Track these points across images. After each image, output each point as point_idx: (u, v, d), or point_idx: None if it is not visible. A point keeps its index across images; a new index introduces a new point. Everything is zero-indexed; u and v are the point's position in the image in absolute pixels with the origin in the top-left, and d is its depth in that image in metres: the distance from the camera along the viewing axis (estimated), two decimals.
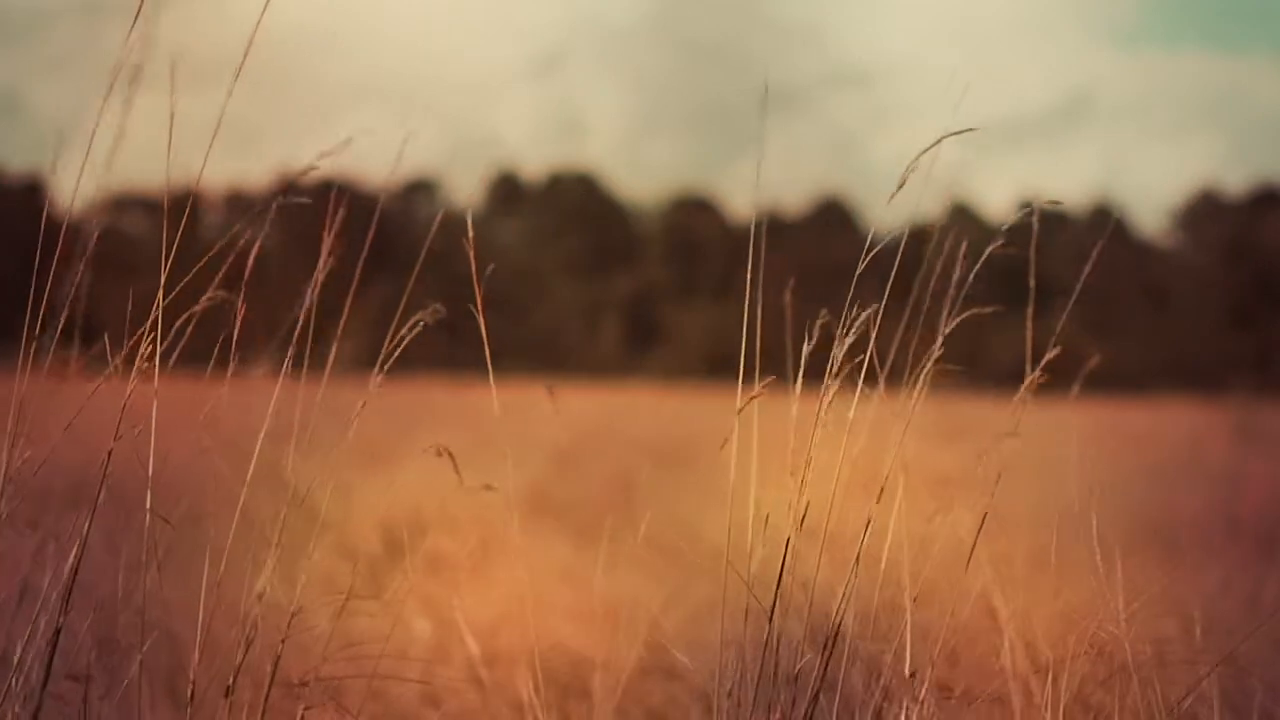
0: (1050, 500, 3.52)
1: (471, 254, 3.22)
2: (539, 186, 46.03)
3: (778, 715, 3.19)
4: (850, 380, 3.20)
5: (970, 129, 3.12)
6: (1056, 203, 3.24)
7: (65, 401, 3.21)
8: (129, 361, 3.16)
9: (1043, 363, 3.32)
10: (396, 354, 3.24)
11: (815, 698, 3.19)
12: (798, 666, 3.20)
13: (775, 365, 3.28)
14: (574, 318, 42.92)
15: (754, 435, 3.23)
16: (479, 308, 3.28)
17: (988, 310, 3.25)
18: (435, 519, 5.62)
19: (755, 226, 3.23)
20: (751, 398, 3.20)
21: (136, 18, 3.10)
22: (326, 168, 3.23)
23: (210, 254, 3.19)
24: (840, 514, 3.20)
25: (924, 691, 3.24)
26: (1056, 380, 3.44)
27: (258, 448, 3.23)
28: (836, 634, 3.20)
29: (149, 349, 3.16)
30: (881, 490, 3.22)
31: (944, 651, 3.27)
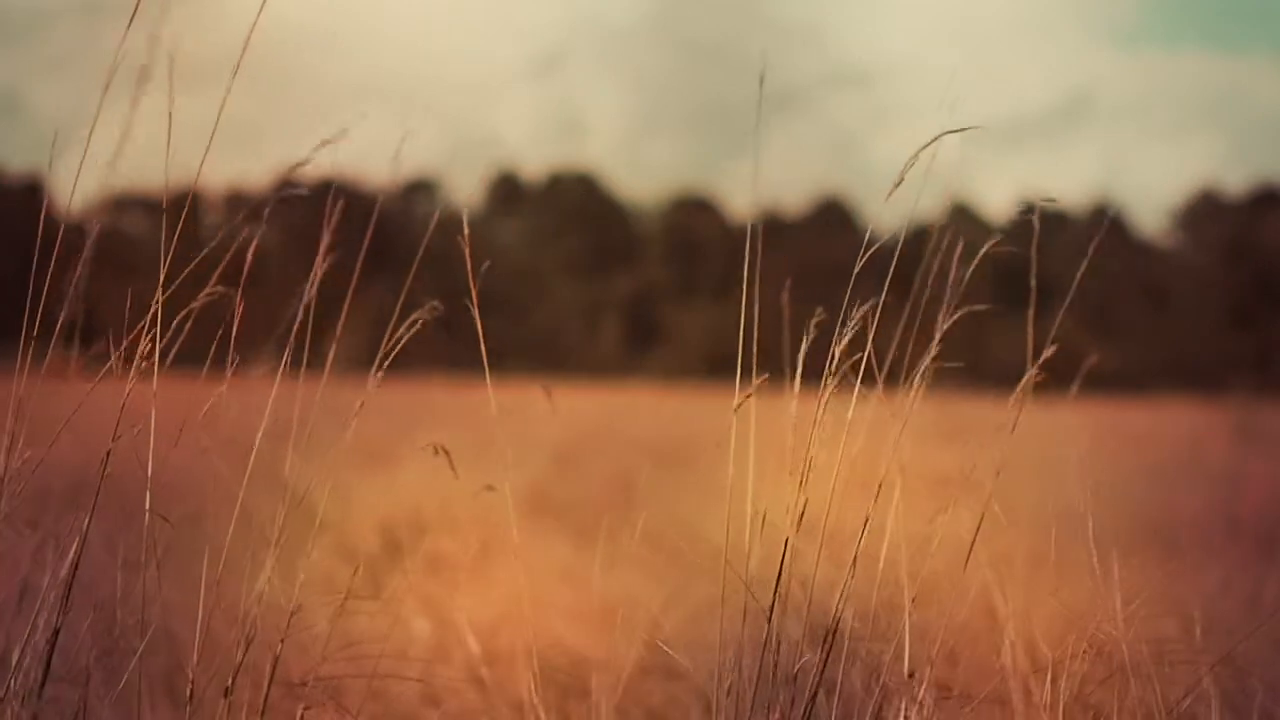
0: (1050, 500, 3.52)
1: (466, 250, 3.22)
2: (539, 186, 46.04)
3: (777, 715, 3.19)
4: (849, 379, 3.19)
5: (969, 127, 3.12)
6: (1051, 200, 3.24)
7: (65, 401, 3.21)
8: (128, 360, 3.16)
9: (1039, 360, 3.32)
10: (395, 352, 3.24)
11: (814, 697, 3.19)
12: (797, 666, 3.20)
13: (774, 365, 3.28)
14: (574, 318, 42.92)
15: (752, 435, 3.23)
16: (474, 304, 3.27)
17: (981, 308, 3.25)
18: (435, 519, 5.62)
19: (752, 227, 3.23)
20: (746, 396, 3.20)
21: (133, 18, 3.10)
22: (325, 166, 3.23)
23: (208, 248, 3.18)
24: (839, 513, 3.20)
25: (923, 691, 3.24)
26: (1056, 380, 3.44)
27: (255, 447, 3.23)
28: (834, 632, 3.19)
29: (148, 347, 3.16)
30: (879, 489, 3.22)
31: (943, 651, 3.27)
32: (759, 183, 3.30)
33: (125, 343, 3.15)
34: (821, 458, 3.19)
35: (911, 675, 3.25)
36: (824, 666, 3.19)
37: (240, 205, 3.27)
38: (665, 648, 3.72)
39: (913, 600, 3.24)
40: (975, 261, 3.25)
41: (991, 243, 3.23)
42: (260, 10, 3.08)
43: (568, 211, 44.66)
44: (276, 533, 3.20)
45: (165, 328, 3.17)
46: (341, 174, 3.28)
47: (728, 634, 3.21)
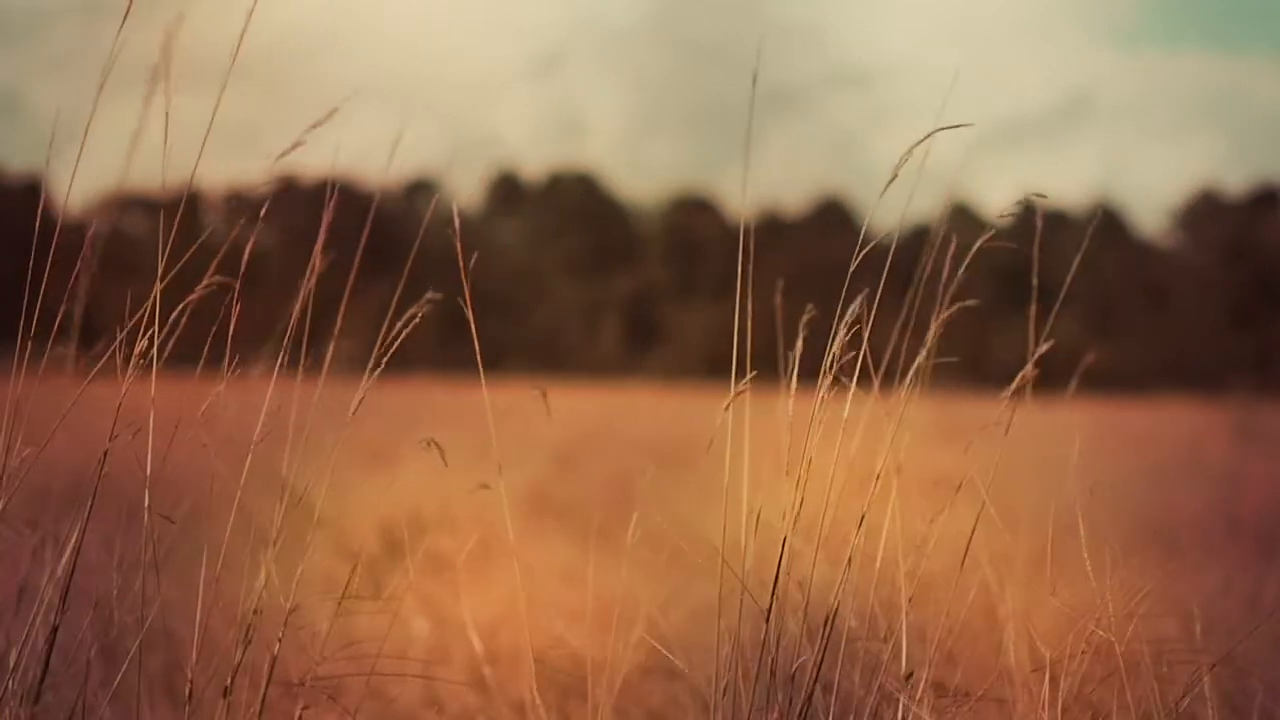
0: (1050, 500, 3.51)
1: (458, 244, 3.21)
2: (539, 186, 46.04)
3: (775, 715, 3.19)
4: (845, 379, 3.19)
5: (964, 124, 3.12)
6: (1042, 195, 3.24)
7: (63, 400, 3.21)
8: (125, 359, 3.16)
9: (1035, 356, 3.32)
10: (394, 348, 3.23)
11: (810, 696, 3.19)
12: (794, 665, 3.19)
13: (772, 365, 3.28)
14: (574, 318, 42.92)
15: (748, 434, 3.22)
16: (467, 300, 3.27)
17: (972, 303, 3.25)
18: (434, 518, 5.61)
19: (745, 226, 3.23)
20: (736, 394, 3.20)
21: (125, 18, 3.10)
22: (322, 161, 3.23)
23: (200, 240, 3.18)
24: (835, 512, 3.19)
25: (922, 691, 3.24)
26: (1056, 379, 3.44)
27: (253, 446, 3.23)
28: (830, 630, 3.19)
29: (145, 345, 3.15)
30: (875, 486, 3.22)
31: (942, 651, 3.26)
32: (753, 180, 3.30)
33: (120, 337, 3.14)
34: (818, 457, 3.19)
35: (910, 675, 3.24)
36: (820, 665, 3.19)
37: (239, 204, 3.26)
38: (660, 648, 3.71)
39: (910, 600, 3.24)
40: (969, 257, 3.25)
41: (985, 237, 3.23)
42: (253, 9, 3.08)
43: (568, 211, 44.67)
44: (275, 532, 3.20)
45: (163, 325, 3.16)
46: (341, 173, 3.28)
47: (726, 634, 3.21)
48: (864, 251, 3.18)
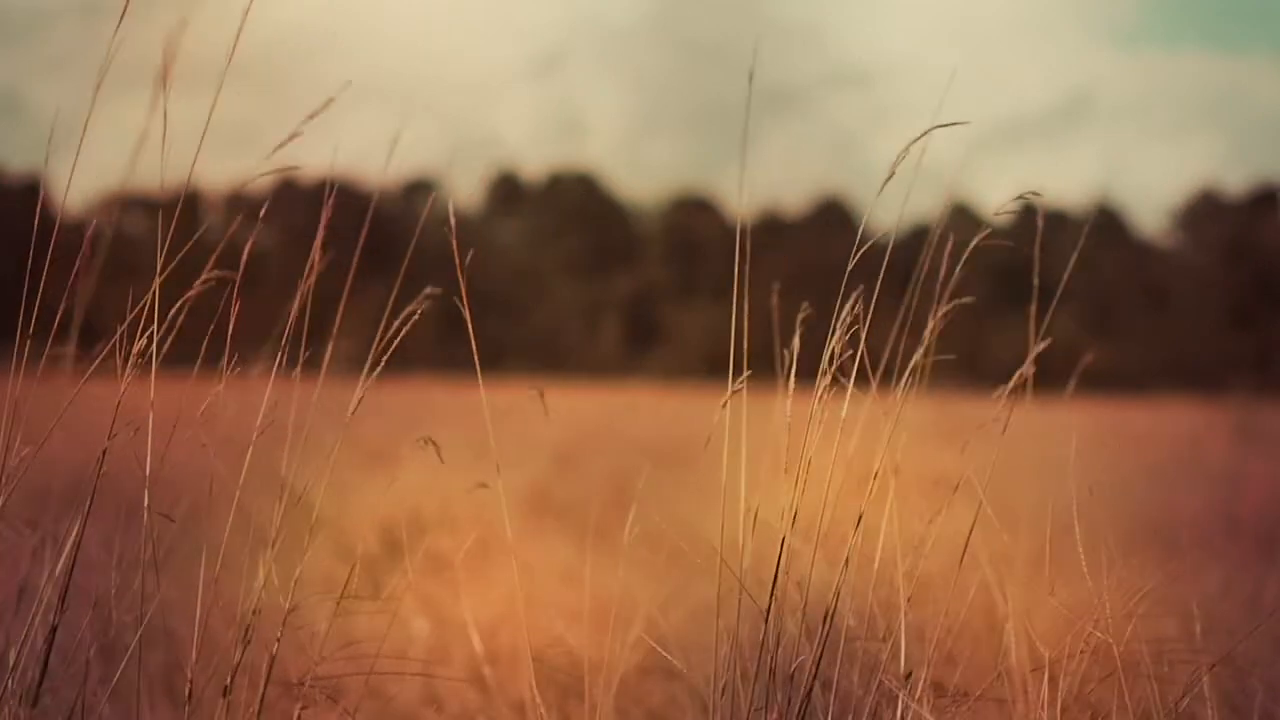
0: (1049, 500, 3.51)
1: (454, 241, 3.21)
2: (539, 186, 46.05)
3: (774, 715, 3.19)
4: (842, 378, 3.19)
5: (960, 122, 3.13)
6: (1036, 193, 3.24)
7: (62, 400, 3.21)
8: (124, 358, 3.16)
9: (1032, 355, 3.32)
10: (393, 347, 3.23)
11: (808, 696, 3.19)
12: (793, 665, 3.19)
13: (770, 365, 3.28)
14: (574, 318, 42.92)
15: (747, 434, 3.22)
16: (464, 298, 3.27)
17: (967, 300, 3.25)
18: (433, 518, 5.61)
19: (742, 226, 3.23)
20: (732, 393, 3.20)
21: (122, 18, 3.10)
22: (321, 161, 3.23)
23: (197, 234, 3.18)
24: (834, 512, 3.19)
25: (921, 690, 3.24)
26: (1055, 379, 3.44)
27: (252, 445, 3.23)
28: (828, 629, 3.19)
29: (144, 344, 3.16)
30: (873, 485, 3.22)
31: (941, 650, 3.26)
32: (753, 180, 3.30)
33: (117, 335, 3.14)
34: (817, 457, 3.19)
35: (909, 675, 3.24)
36: (818, 665, 3.19)
37: (239, 204, 3.27)
38: (659, 648, 3.71)
39: (908, 599, 3.23)
40: (966, 255, 3.25)
41: (982, 235, 3.23)
42: (249, 8, 3.08)
43: (568, 211, 44.67)
44: (274, 532, 3.20)
45: (162, 324, 3.16)
46: (340, 173, 3.28)
47: (724, 634, 3.21)
48: (861, 250, 3.18)
